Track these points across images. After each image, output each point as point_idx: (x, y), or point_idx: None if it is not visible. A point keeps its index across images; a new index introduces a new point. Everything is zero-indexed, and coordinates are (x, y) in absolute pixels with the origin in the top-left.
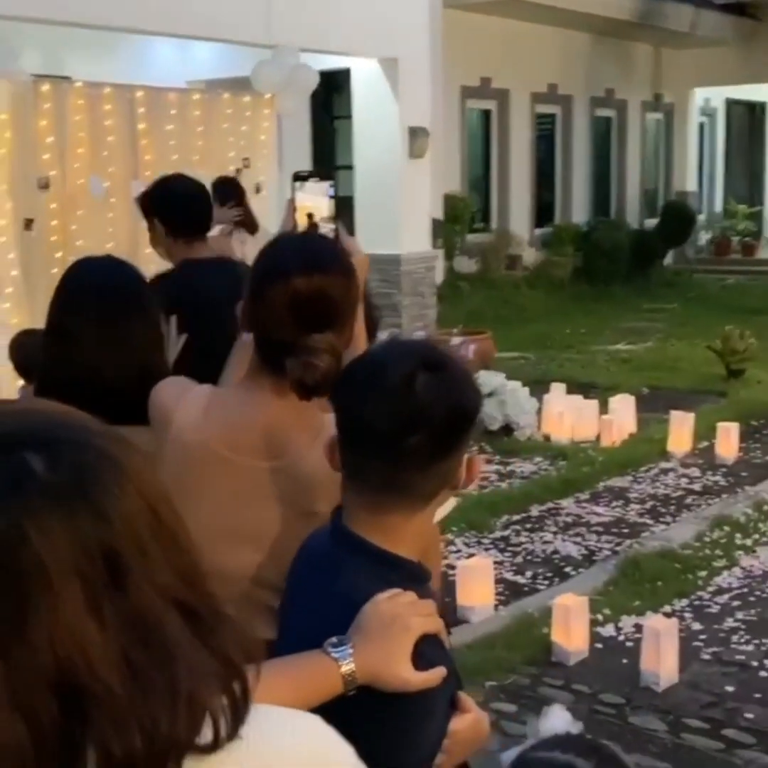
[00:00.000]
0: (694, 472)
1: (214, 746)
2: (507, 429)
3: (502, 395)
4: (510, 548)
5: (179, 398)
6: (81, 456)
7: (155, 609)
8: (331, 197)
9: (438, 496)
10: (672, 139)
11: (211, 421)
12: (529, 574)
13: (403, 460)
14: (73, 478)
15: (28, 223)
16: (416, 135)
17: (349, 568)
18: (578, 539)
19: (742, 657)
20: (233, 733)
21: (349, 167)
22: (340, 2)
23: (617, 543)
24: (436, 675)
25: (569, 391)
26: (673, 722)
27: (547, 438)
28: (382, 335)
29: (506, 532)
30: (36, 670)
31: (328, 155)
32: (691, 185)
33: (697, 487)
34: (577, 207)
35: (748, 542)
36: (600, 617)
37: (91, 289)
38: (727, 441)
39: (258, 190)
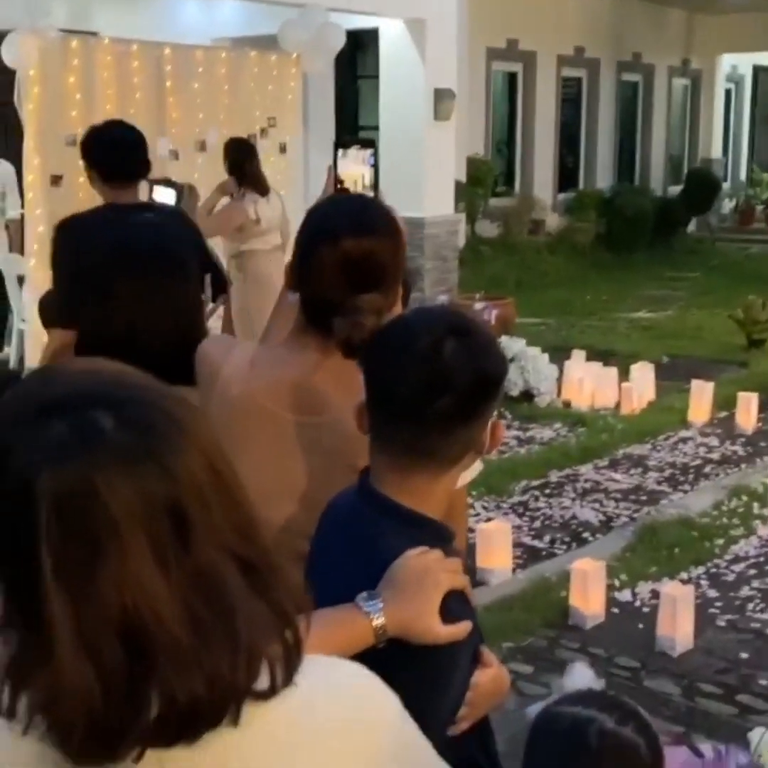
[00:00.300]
0: (713, 441)
1: (272, 692)
2: (527, 395)
3: (523, 361)
4: (528, 513)
5: (226, 353)
6: (146, 415)
7: (217, 564)
8: (372, 165)
9: (463, 459)
10: (698, 105)
11: (257, 375)
12: (547, 538)
13: (429, 423)
14: (139, 436)
15: (56, 180)
16: (442, 97)
17: (377, 526)
18: (596, 505)
19: (757, 625)
20: (288, 680)
21: (374, 128)
22: None
23: (635, 510)
24: (462, 628)
25: (589, 358)
26: (688, 687)
27: (566, 404)
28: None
29: (525, 497)
30: (104, 618)
31: (352, 116)
32: (716, 153)
33: (715, 456)
34: (601, 172)
35: (766, 512)
36: (617, 583)
37: (132, 249)
38: (747, 411)
39: (283, 149)
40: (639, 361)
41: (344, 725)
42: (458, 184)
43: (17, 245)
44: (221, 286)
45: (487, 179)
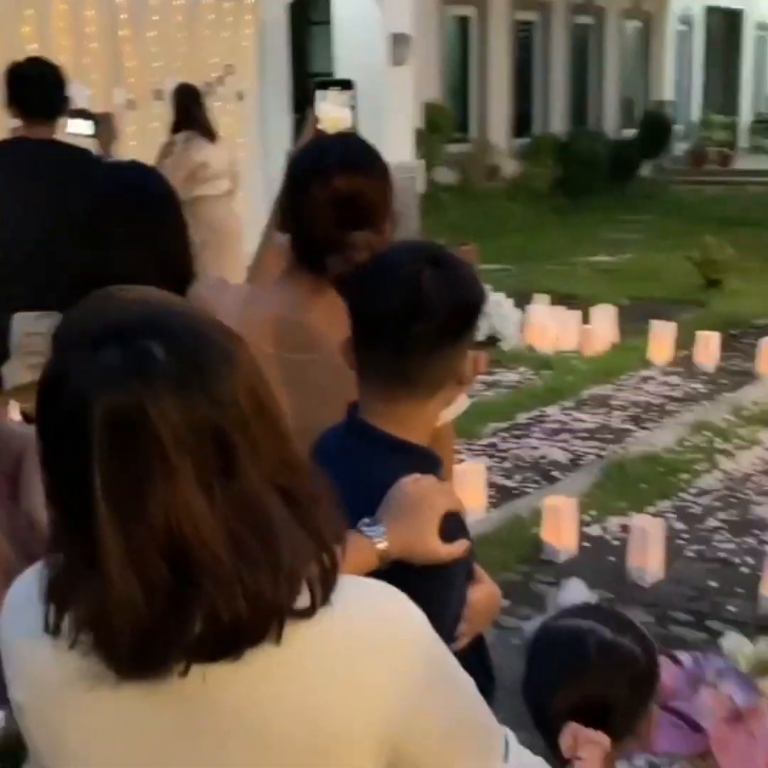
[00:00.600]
0: (675, 379)
1: (312, 611)
2: (492, 340)
3: (487, 306)
4: (498, 454)
5: (219, 295)
6: (196, 345)
7: (260, 491)
8: (352, 107)
9: (444, 387)
10: (650, 47)
11: (251, 316)
12: (518, 478)
13: (408, 349)
14: (188, 365)
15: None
16: (398, 42)
17: (368, 457)
18: (564, 445)
19: (724, 554)
20: (325, 599)
21: (327, 75)
22: None
23: (602, 448)
24: (461, 547)
25: (551, 303)
26: (660, 615)
27: (531, 348)
28: None
29: (494, 439)
30: (150, 537)
31: (306, 63)
32: (669, 95)
33: (678, 394)
34: (555, 117)
35: (728, 446)
36: (587, 518)
37: (122, 193)
38: (707, 349)
39: (240, 97)
40: (599, 304)
41: (378, 643)
42: (417, 131)
43: None
44: None
45: (444, 126)
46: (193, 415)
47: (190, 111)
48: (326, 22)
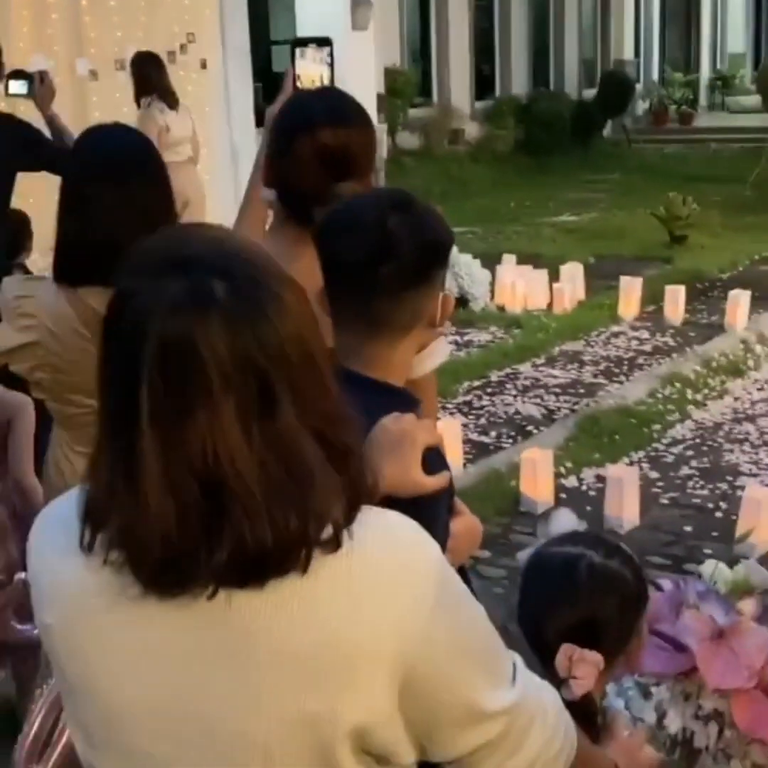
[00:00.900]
0: (644, 334)
1: (336, 544)
2: (462, 301)
3: (456, 267)
4: (473, 411)
5: None
6: (254, 289)
7: (298, 435)
8: (330, 65)
9: (415, 328)
10: (609, 6)
11: None
12: (493, 434)
13: (376, 290)
14: (243, 307)
15: None
16: (359, 5)
17: (348, 400)
18: (537, 401)
19: (698, 500)
20: (348, 532)
21: (287, 42)
22: None
23: (575, 402)
24: (444, 479)
25: (519, 263)
26: (638, 560)
27: (501, 308)
28: None
29: (468, 397)
30: (188, 462)
31: (267, 30)
32: (629, 54)
33: (647, 348)
34: (516, 78)
35: (699, 397)
36: (563, 470)
37: (106, 155)
38: (675, 303)
39: (204, 65)
40: (567, 263)
41: (396, 573)
42: (379, 96)
43: None
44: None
45: (405, 90)
46: (241, 355)
47: (150, 78)
48: None
